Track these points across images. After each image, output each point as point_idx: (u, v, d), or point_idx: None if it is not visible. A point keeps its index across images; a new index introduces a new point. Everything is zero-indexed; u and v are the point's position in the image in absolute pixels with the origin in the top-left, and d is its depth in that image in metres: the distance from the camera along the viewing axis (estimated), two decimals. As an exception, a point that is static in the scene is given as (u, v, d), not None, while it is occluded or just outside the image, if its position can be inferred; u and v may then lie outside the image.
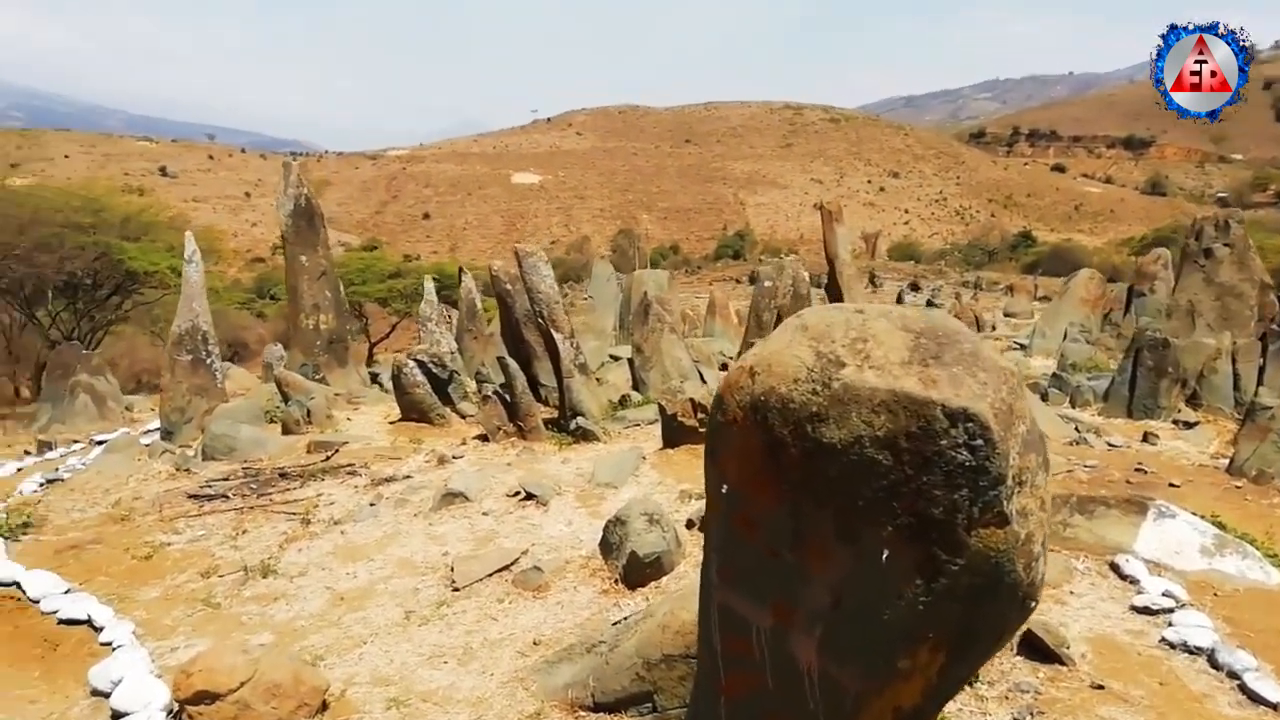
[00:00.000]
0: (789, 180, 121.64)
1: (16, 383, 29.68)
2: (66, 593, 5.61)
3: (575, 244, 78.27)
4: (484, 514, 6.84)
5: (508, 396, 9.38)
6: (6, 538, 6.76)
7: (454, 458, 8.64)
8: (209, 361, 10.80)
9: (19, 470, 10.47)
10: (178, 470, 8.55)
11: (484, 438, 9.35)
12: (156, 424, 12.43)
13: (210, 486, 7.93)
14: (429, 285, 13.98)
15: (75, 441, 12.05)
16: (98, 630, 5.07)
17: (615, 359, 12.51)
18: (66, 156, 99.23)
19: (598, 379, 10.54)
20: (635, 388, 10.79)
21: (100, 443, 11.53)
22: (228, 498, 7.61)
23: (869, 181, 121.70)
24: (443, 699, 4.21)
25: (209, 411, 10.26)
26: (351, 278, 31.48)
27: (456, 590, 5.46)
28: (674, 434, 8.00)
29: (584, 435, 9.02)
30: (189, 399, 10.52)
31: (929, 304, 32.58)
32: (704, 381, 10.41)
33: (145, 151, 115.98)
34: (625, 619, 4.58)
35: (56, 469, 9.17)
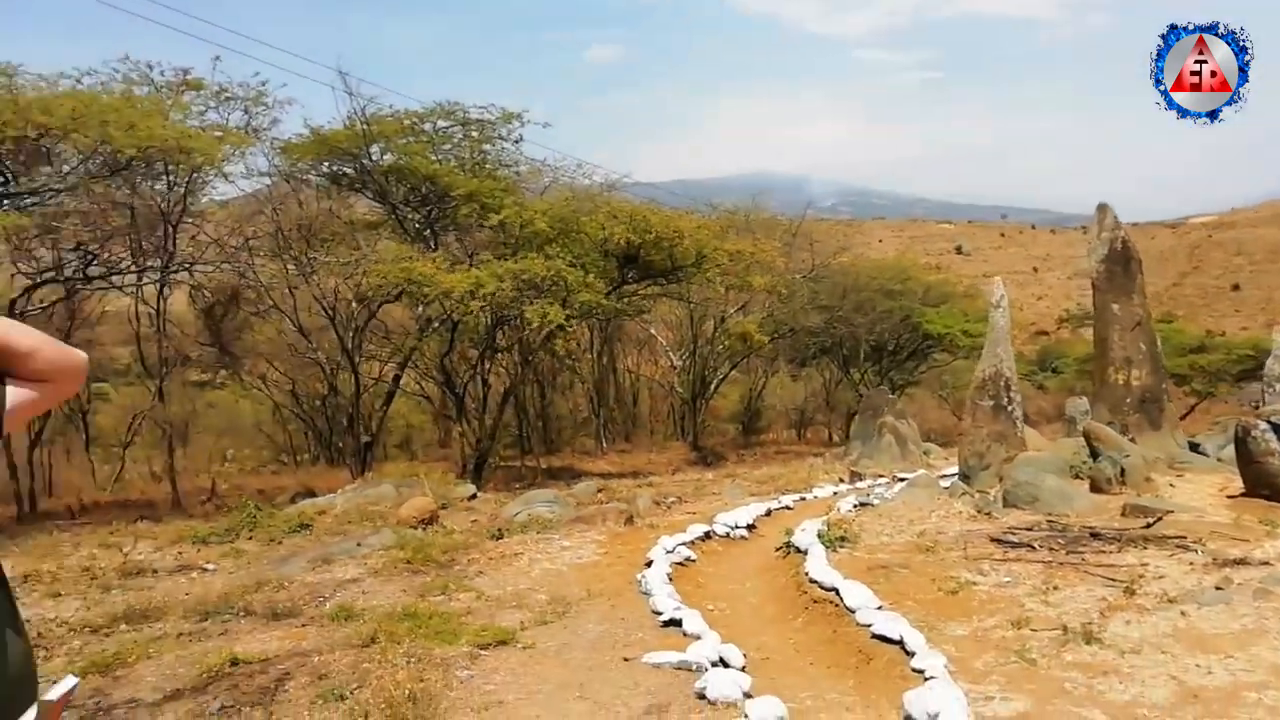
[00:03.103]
0: None
1: (830, 429, 34.37)
2: (879, 609, 5.57)
3: None
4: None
5: None
6: (827, 547, 7.21)
7: (1333, 552, 6.46)
8: (1009, 408, 10.37)
9: (835, 494, 11.59)
10: (978, 513, 8.22)
11: (1377, 534, 6.85)
12: (950, 470, 12.56)
13: (1013, 534, 7.35)
14: (1280, 338, 11.30)
15: (880, 476, 12.96)
16: (909, 655, 4.82)
17: None
18: (880, 241, 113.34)
19: None
20: None
21: (901, 479, 12.12)
22: (1033, 548, 6.92)
23: None
24: None
25: (1008, 460, 9.80)
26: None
27: (1380, 731, 3.75)
28: None
29: None
30: (988, 445, 10.23)
31: None
32: None
33: (944, 233, 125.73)
34: None
35: (867, 495, 9.76)
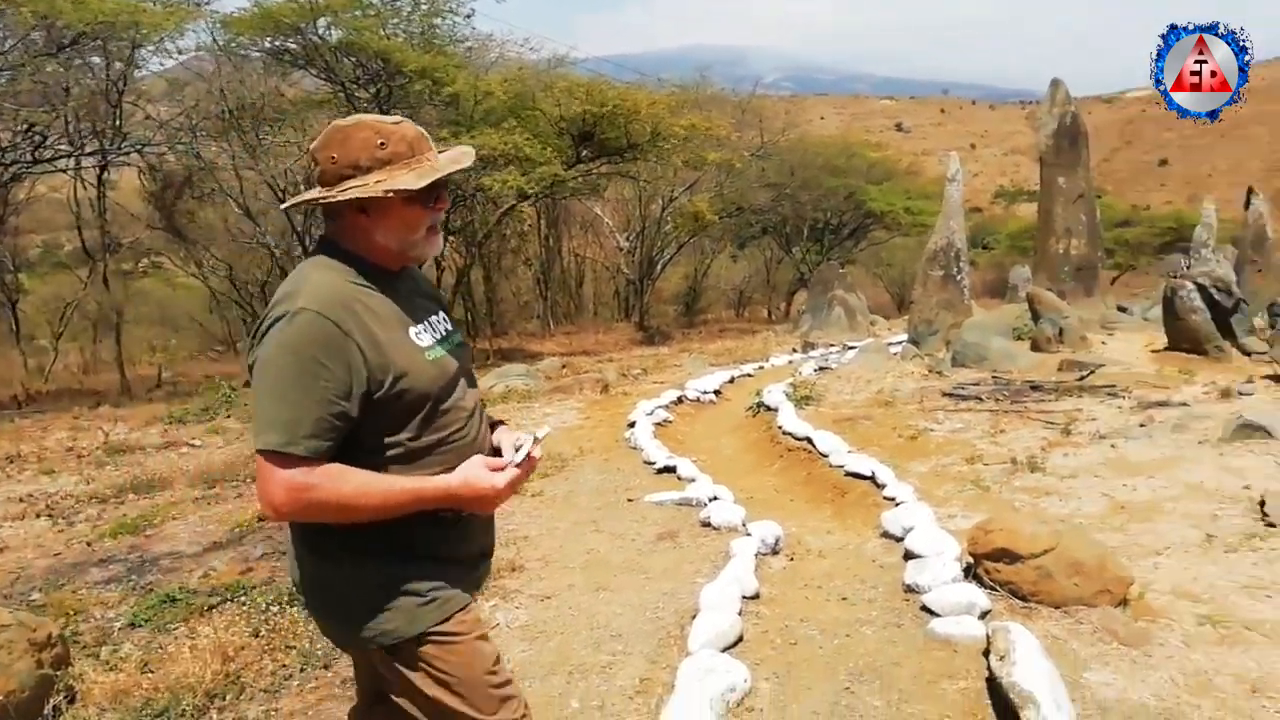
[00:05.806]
0: None
1: (770, 308, 35.22)
2: (849, 452, 6.20)
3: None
4: (1296, 456, 5.55)
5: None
6: (795, 404, 7.82)
7: (1240, 393, 7.28)
8: (958, 278, 11.01)
9: (790, 362, 12.25)
10: (930, 372, 8.91)
11: (1278, 378, 7.70)
12: (896, 339, 13.30)
13: (963, 388, 8.06)
14: (1209, 209, 12.06)
15: (831, 345, 13.66)
16: (880, 486, 5.46)
17: None
18: (822, 118, 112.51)
19: None
20: None
21: (851, 348, 12.83)
22: (981, 399, 7.63)
23: None
24: (1272, 632, 3.45)
25: (955, 325, 10.50)
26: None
27: (1272, 525, 4.50)
28: None
29: None
30: (937, 312, 10.91)
31: None
32: None
33: (886, 110, 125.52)
34: None
35: (824, 361, 10.40)
